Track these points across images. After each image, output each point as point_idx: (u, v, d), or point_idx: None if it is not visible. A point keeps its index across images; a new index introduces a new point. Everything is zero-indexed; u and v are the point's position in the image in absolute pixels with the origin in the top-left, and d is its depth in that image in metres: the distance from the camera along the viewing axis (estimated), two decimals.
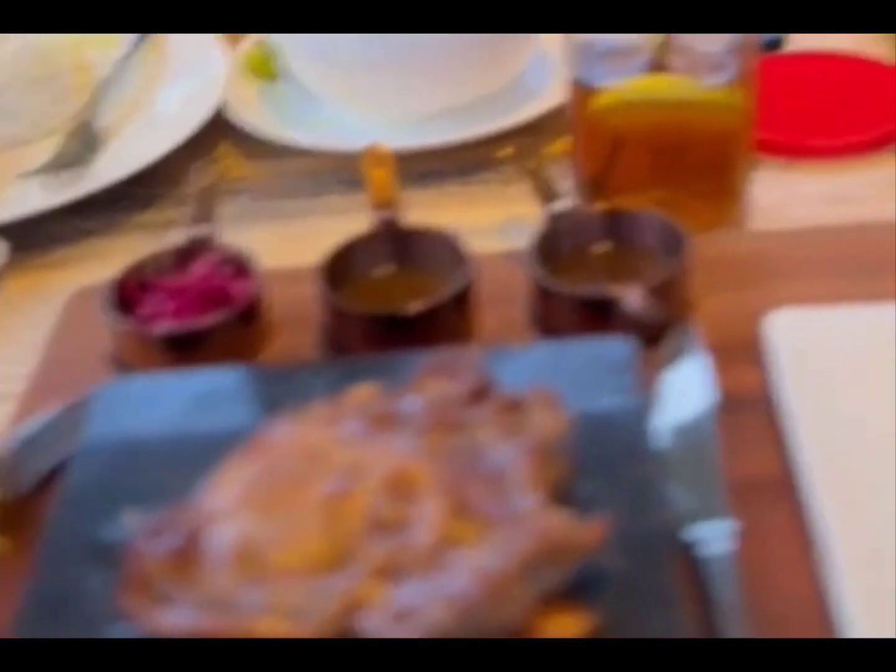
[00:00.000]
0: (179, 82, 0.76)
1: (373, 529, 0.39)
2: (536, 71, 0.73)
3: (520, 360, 0.49)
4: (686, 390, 0.49)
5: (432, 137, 0.68)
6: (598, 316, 0.52)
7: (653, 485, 0.43)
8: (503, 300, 0.55)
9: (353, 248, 0.55)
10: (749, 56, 0.61)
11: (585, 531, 0.39)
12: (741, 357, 0.52)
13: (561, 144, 0.67)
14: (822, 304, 0.52)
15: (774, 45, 0.77)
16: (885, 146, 0.67)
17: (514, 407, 0.43)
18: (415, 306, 0.52)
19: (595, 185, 0.63)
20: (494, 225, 0.65)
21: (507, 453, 0.41)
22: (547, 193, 0.57)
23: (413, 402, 0.44)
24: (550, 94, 0.70)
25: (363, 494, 0.40)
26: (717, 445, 0.46)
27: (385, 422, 0.43)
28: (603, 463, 0.44)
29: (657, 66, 0.61)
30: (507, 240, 0.60)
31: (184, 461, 0.44)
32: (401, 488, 0.40)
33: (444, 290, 0.53)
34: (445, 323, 0.53)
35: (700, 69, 0.61)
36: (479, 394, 0.44)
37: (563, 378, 0.47)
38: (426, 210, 0.67)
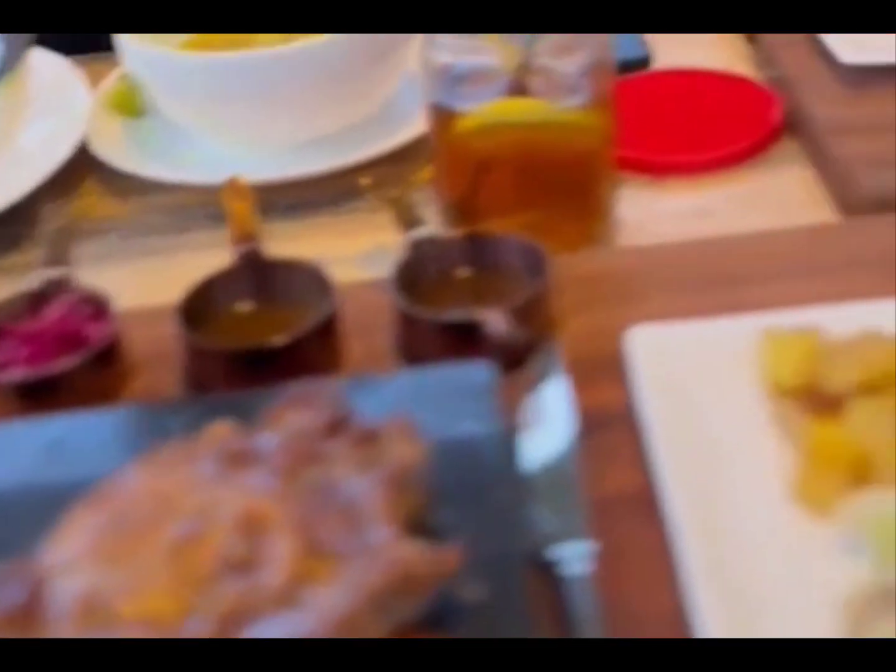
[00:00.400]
0: (41, 120, 0.74)
1: (224, 572, 0.38)
2: (408, 96, 0.73)
3: (381, 389, 0.48)
4: (550, 411, 0.49)
5: (301, 168, 0.68)
6: (463, 341, 0.52)
7: (513, 509, 0.43)
8: (369, 329, 0.55)
9: (212, 284, 0.54)
10: (605, 77, 0.62)
11: (438, 560, 0.39)
12: (606, 374, 0.52)
13: (430, 170, 0.67)
14: (685, 317, 0.53)
15: (642, 64, 0.79)
16: (745, 160, 0.69)
17: (371, 438, 0.43)
18: (277, 339, 0.51)
19: (461, 210, 0.63)
20: (363, 254, 0.64)
21: (362, 486, 0.41)
22: (409, 221, 0.57)
23: (268, 439, 0.43)
24: (421, 120, 0.70)
25: (213, 537, 0.39)
26: (579, 466, 0.46)
27: (239, 460, 0.42)
28: (463, 490, 0.43)
29: (516, 88, 0.61)
30: (373, 268, 0.60)
31: (35, 512, 0.42)
32: (252, 529, 0.39)
33: (308, 322, 0.52)
34: (310, 355, 0.52)
35: (558, 91, 0.62)
36: (336, 426, 0.44)
37: (423, 406, 0.47)
38: (295, 241, 0.66)
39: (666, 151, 0.70)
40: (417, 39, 0.63)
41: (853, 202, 0.63)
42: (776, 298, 0.54)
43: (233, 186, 0.58)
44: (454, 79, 0.62)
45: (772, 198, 0.66)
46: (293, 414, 0.44)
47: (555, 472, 0.46)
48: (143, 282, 0.65)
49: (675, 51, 0.79)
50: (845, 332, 0.48)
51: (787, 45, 0.74)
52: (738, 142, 0.69)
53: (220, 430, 0.44)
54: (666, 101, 0.75)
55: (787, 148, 0.69)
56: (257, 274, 0.55)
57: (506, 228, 0.61)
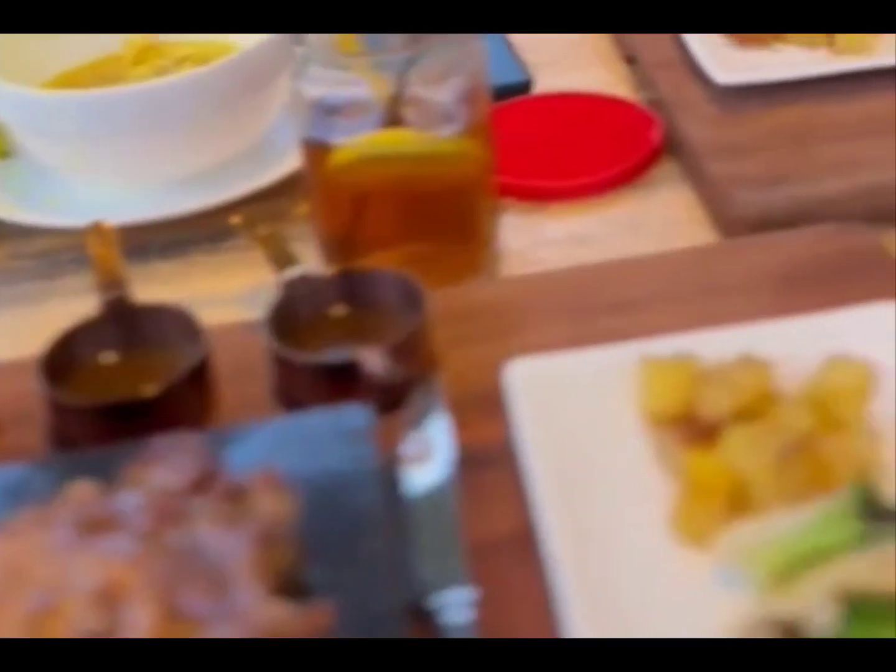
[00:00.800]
0: None
1: None
2: (284, 131, 0.71)
3: (252, 438, 0.47)
4: (430, 451, 0.48)
5: (174, 206, 0.66)
6: (340, 382, 0.51)
7: (389, 558, 0.42)
8: (244, 374, 0.53)
9: (75, 335, 0.52)
10: (481, 104, 0.61)
11: (308, 620, 0.37)
12: (487, 410, 0.51)
13: (307, 206, 0.65)
14: (566, 347, 0.52)
15: (522, 89, 0.78)
16: (627, 183, 0.68)
17: (238, 493, 0.41)
18: (145, 390, 0.49)
19: (341, 246, 0.62)
20: (241, 294, 0.63)
21: (228, 544, 0.39)
22: (282, 259, 0.56)
23: (129, 499, 0.41)
24: (297, 154, 0.69)
25: (69, 608, 0.37)
26: (459, 507, 0.45)
27: (97, 525, 0.40)
28: (336, 542, 0.42)
29: (391, 120, 0.60)
30: (251, 309, 0.58)
31: None
32: (110, 598, 0.37)
33: (178, 370, 0.50)
34: (181, 405, 0.50)
35: (434, 121, 0.61)
36: (202, 482, 0.42)
37: (297, 454, 0.46)
38: (170, 283, 0.64)
39: (548, 177, 0.69)
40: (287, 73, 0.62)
41: (732, 223, 0.63)
42: (657, 324, 0.54)
43: (97, 231, 0.56)
44: (326, 112, 0.60)
45: (654, 220, 0.66)
46: (157, 471, 0.43)
47: (434, 515, 0.45)
48: (12, 331, 0.63)
49: (554, 74, 0.79)
50: (722, 356, 0.48)
51: (663, 67, 0.74)
52: (619, 164, 0.69)
53: (80, 492, 0.42)
54: (547, 126, 0.74)
55: (668, 170, 0.69)
56: (123, 321, 0.53)
57: (387, 262, 0.60)
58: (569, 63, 0.80)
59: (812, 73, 0.70)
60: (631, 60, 0.79)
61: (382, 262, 0.60)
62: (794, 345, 0.49)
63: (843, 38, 0.72)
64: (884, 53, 0.71)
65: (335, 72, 0.59)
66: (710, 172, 0.65)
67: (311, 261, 0.59)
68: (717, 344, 0.49)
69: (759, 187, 0.64)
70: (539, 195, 0.68)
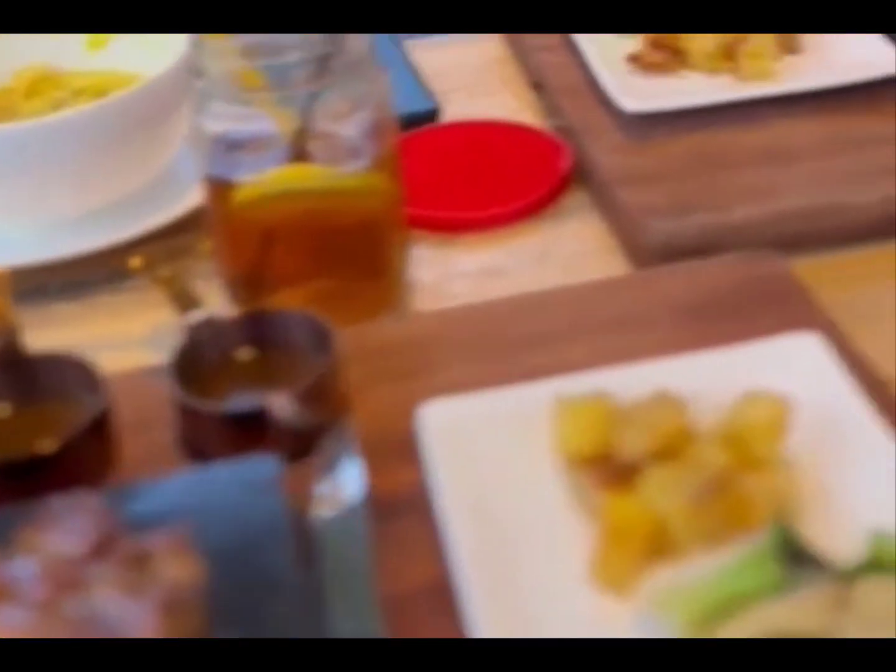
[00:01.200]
0: None
1: None
2: (186, 165, 0.69)
3: (155, 494, 0.45)
4: (342, 500, 0.47)
5: (70, 246, 0.63)
6: (248, 430, 0.49)
7: (302, 619, 0.40)
8: (147, 424, 0.51)
9: None
10: (389, 137, 0.60)
11: None
12: (401, 454, 0.50)
13: (210, 244, 0.63)
14: (481, 386, 0.51)
15: (430, 117, 0.78)
16: (538, 212, 0.68)
17: (142, 558, 0.39)
18: (41, 445, 0.47)
19: (248, 284, 0.60)
20: (144, 336, 0.60)
21: (132, 613, 0.37)
22: (184, 301, 0.54)
23: (24, 567, 0.39)
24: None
25: None
26: (371, 560, 0.44)
27: None
28: (246, 603, 0.40)
29: (297, 155, 0.59)
30: (155, 351, 0.56)
31: None
32: None
33: (76, 422, 0.48)
34: (81, 460, 0.48)
35: (340, 155, 0.59)
36: (103, 546, 0.40)
37: (203, 510, 0.44)
38: (68, 327, 0.62)
39: (458, 208, 0.68)
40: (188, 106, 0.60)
41: (643, 252, 0.63)
42: (572, 359, 0.53)
43: None
44: (229, 148, 0.59)
45: (565, 251, 0.66)
46: (54, 534, 0.40)
47: (347, 568, 0.44)
48: None
49: (461, 101, 0.78)
50: (637, 393, 0.47)
51: (570, 94, 0.74)
52: (529, 194, 0.69)
53: None
54: (456, 155, 0.73)
55: (578, 198, 0.69)
56: (17, 372, 0.50)
57: (295, 300, 0.58)
58: (476, 90, 0.80)
59: (717, 99, 0.71)
60: (538, 87, 0.79)
61: (291, 300, 0.58)
62: (708, 379, 0.49)
63: (746, 66, 0.73)
64: (787, 80, 0.72)
65: (237, 107, 0.58)
66: (619, 201, 0.65)
67: (215, 300, 0.57)
68: (630, 380, 0.49)
69: (669, 216, 0.64)
70: (449, 227, 0.67)
